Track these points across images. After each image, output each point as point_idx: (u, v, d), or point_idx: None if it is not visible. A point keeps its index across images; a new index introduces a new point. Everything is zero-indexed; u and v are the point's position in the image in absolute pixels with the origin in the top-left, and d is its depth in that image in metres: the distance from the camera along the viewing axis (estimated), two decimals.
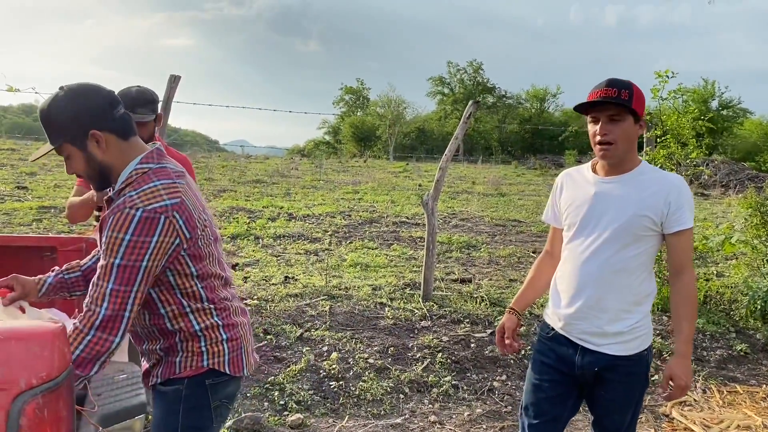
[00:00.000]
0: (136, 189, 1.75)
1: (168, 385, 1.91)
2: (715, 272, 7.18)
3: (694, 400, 4.36)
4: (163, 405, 1.94)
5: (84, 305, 1.71)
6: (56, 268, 2.16)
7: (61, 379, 1.38)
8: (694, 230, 2.26)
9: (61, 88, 1.78)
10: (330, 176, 19.54)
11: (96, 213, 3.22)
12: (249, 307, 5.03)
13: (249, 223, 9.24)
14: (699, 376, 4.70)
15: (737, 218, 6.85)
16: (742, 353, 5.15)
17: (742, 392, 4.53)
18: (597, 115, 2.21)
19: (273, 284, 5.86)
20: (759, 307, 5.51)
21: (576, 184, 2.39)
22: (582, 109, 2.27)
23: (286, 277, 6.12)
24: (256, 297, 5.31)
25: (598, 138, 2.21)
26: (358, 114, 55.62)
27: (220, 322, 1.93)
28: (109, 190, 1.91)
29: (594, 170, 2.34)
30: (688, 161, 6.00)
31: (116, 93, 2.18)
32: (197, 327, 1.88)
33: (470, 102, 5.72)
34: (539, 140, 49.23)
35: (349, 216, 10.52)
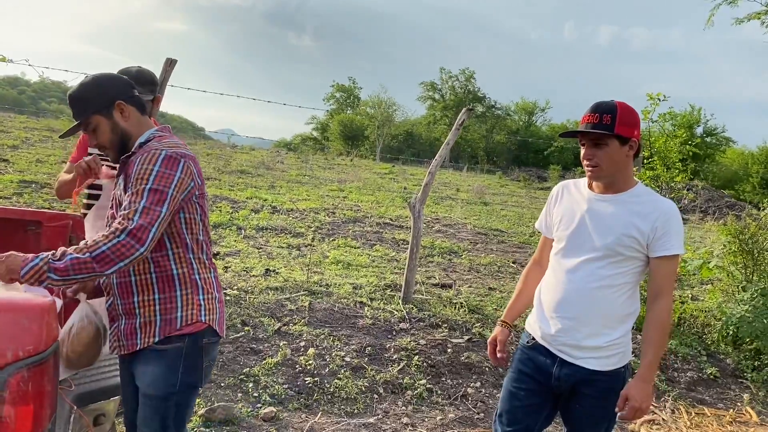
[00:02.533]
0: (159, 142, 2.05)
1: (167, 344, 2.01)
2: (690, 296, 7.28)
3: (663, 419, 4.42)
4: (162, 363, 2.02)
5: (116, 222, 1.87)
6: None
7: (48, 353, 1.37)
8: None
9: (86, 76, 2.09)
10: (316, 172, 19.49)
11: (86, 191, 3.19)
12: (228, 297, 5.01)
13: (232, 213, 9.18)
14: (669, 396, 4.77)
15: (715, 244, 6.97)
16: (711, 377, 5.23)
17: (709, 415, 4.60)
18: (582, 139, 2.26)
19: (253, 276, 5.83)
20: (731, 332, 5.61)
21: (571, 198, 2.42)
22: (569, 136, 2.34)
23: (267, 269, 6.09)
24: (236, 287, 5.28)
25: (585, 161, 2.27)
26: (348, 112, 55.57)
27: (214, 281, 2.14)
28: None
29: (590, 186, 2.37)
30: (673, 184, 6.09)
31: (120, 71, 2.63)
32: (197, 276, 2.06)
33: (464, 109, 5.75)
34: (525, 153, 49.59)
35: (334, 213, 10.51)
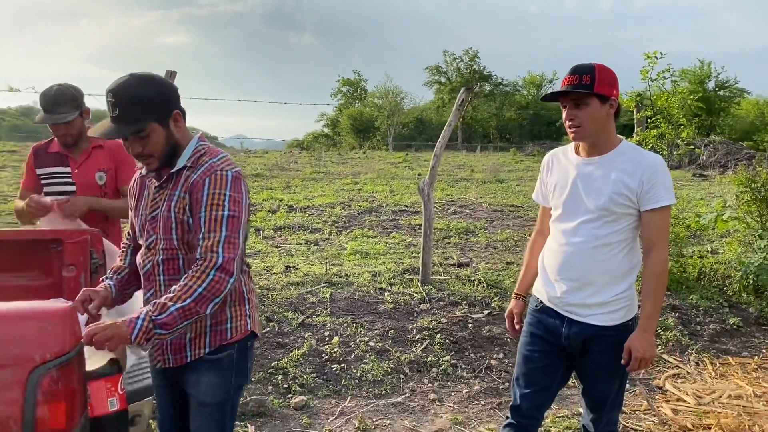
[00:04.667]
0: (213, 157, 1.99)
1: (219, 353, 2.05)
2: (709, 249, 7.27)
3: (687, 372, 4.47)
4: (216, 371, 2.06)
5: (198, 255, 1.87)
6: (107, 280, 2.21)
7: (73, 353, 1.49)
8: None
9: (132, 74, 1.92)
10: (330, 168, 19.60)
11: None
12: None
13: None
14: (692, 349, 4.81)
15: (728, 195, 6.95)
16: (735, 327, 5.25)
17: (734, 364, 4.63)
18: (564, 101, 2.33)
19: (274, 273, 5.97)
20: (751, 281, 5.61)
21: (560, 166, 2.50)
22: (550, 99, 2.40)
23: (287, 266, 6.23)
24: (258, 286, 5.42)
25: (567, 122, 2.33)
26: (356, 106, 55.55)
27: (253, 288, 2.20)
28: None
29: (577, 151, 2.44)
30: (680, 140, 6.09)
31: (40, 94, 2.67)
32: (245, 288, 2.10)
33: (462, 89, 5.79)
34: (537, 126, 49.16)
35: (349, 206, 10.61)
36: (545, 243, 2.58)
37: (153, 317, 1.77)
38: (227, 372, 2.07)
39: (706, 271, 6.24)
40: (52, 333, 1.46)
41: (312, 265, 6.39)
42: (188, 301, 1.80)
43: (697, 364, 4.61)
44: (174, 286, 1.86)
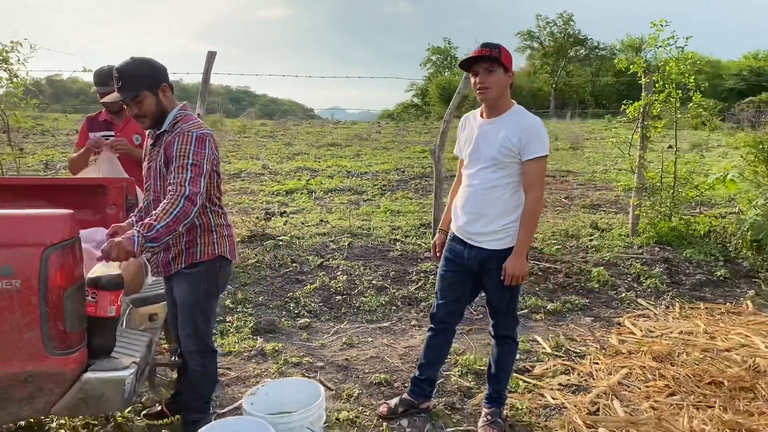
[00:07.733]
0: (186, 122, 2.70)
1: (191, 269, 2.81)
2: (726, 212, 7.44)
3: (654, 314, 4.94)
4: (189, 281, 2.83)
5: (169, 190, 2.58)
6: (132, 217, 2.98)
7: (72, 240, 2.38)
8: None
9: (132, 57, 2.69)
10: (408, 138, 20.26)
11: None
12: (281, 243, 6.08)
13: (308, 179, 10.31)
14: (667, 295, 5.25)
15: (737, 156, 7.07)
16: (721, 278, 5.60)
17: (703, 308, 5.04)
18: (476, 69, 2.97)
19: (308, 226, 6.88)
20: (748, 237, 5.88)
21: (470, 125, 3.19)
22: (465, 66, 3.05)
23: (321, 220, 7.12)
24: (289, 235, 6.34)
25: (478, 85, 2.98)
26: (446, 74, 55.58)
27: (224, 222, 2.93)
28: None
29: (482, 114, 3.11)
30: (691, 105, 6.36)
31: (94, 71, 3.54)
32: (213, 223, 2.82)
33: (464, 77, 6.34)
34: (636, 92, 47.00)
35: (403, 172, 11.35)
36: None
37: (144, 234, 2.47)
38: (197, 282, 2.85)
39: (718, 229, 6.52)
40: (59, 227, 2.35)
41: (344, 220, 7.25)
42: (167, 220, 2.49)
43: (667, 308, 5.06)
44: (154, 211, 2.65)
